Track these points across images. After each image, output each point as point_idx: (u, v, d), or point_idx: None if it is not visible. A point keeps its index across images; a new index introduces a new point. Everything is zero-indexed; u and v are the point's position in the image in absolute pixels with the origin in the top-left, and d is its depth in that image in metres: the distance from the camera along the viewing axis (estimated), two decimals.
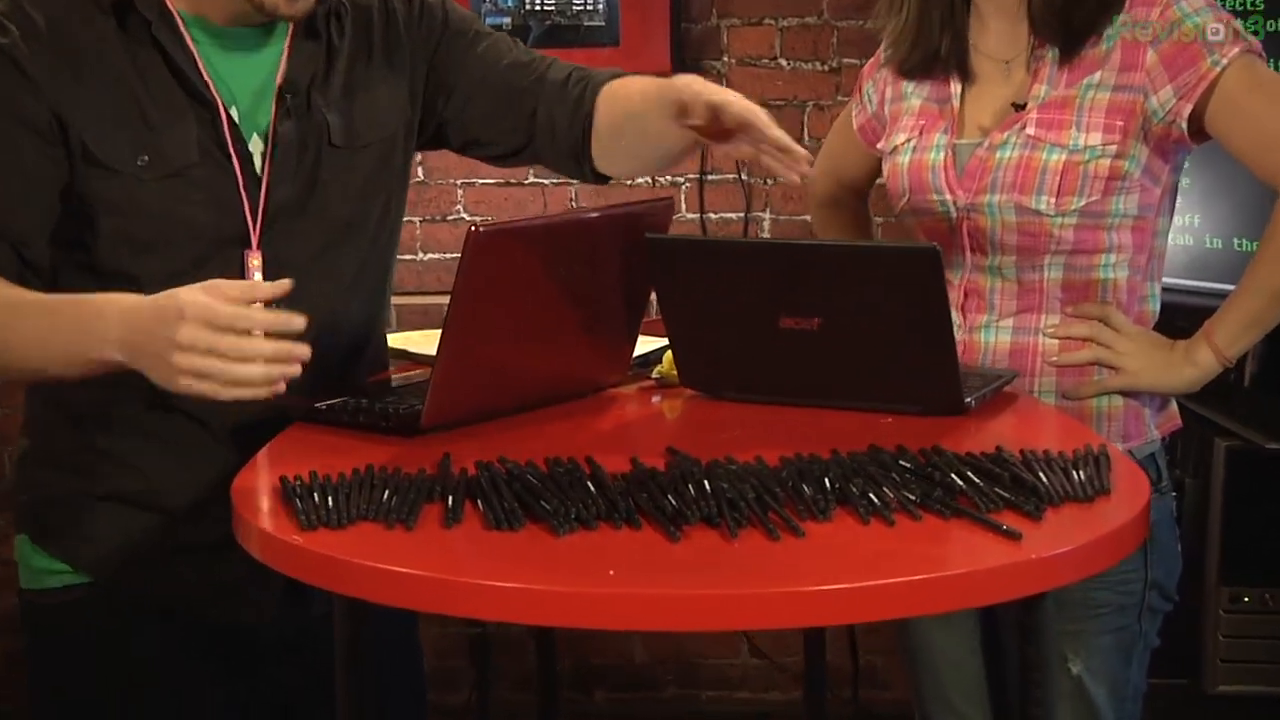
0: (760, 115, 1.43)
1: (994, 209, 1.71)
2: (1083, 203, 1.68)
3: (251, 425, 1.48)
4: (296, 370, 1.29)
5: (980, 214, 1.72)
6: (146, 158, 1.46)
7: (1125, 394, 1.73)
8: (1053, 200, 1.68)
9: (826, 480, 1.20)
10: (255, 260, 1.51)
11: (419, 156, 3.06)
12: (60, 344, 1.39)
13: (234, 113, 1.51)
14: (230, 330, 1.27)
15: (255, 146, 1.52)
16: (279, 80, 1.53)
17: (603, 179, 1.68)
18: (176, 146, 1.48)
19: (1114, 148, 1.68)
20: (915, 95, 1.83)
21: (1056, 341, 1.72)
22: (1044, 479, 1.21)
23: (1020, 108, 1.73)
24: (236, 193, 1.50)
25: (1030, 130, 1.70)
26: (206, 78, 1.50)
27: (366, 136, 1.59)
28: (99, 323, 1.36)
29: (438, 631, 3.20)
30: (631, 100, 1.59)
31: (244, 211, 1.50)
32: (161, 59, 1.48)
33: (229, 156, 1.50)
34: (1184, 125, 1.67)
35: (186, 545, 1.55)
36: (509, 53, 1.68)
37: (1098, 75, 1.69)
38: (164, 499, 1.55)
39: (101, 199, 1.47)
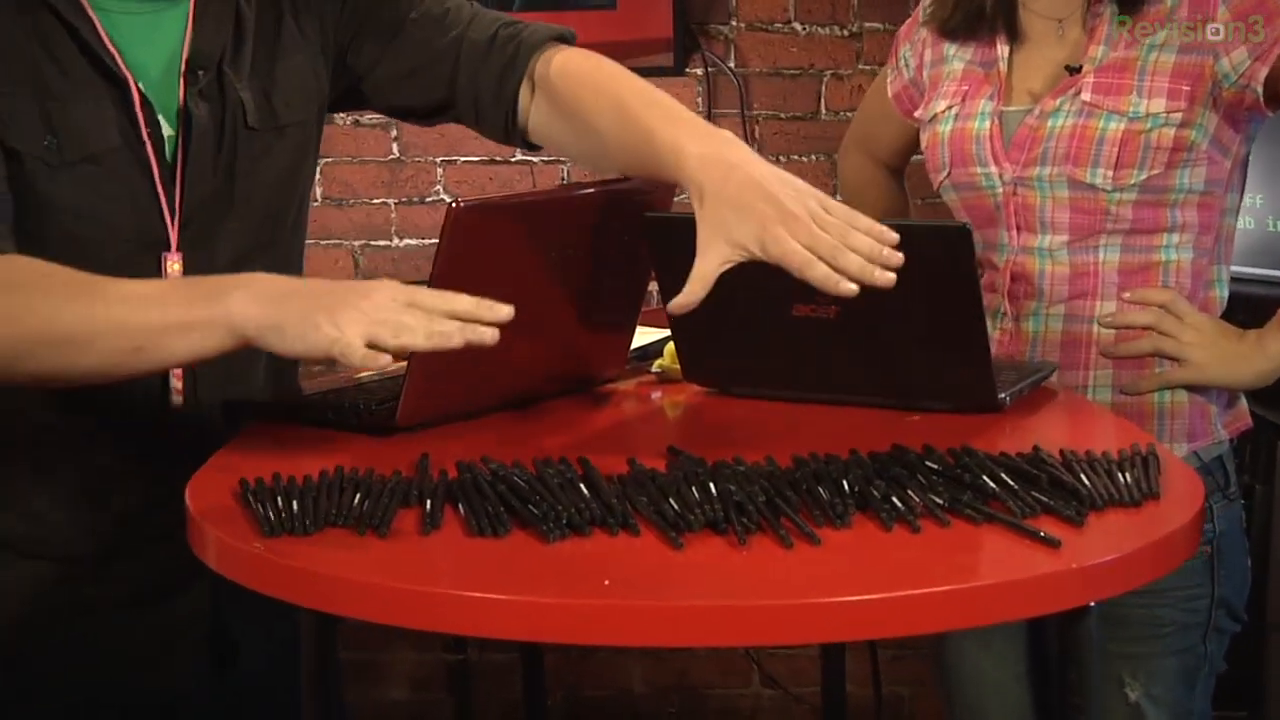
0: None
1: (1044, 183, 1.71)
2: (1143, 176, 1.68)
3: (169, 456, 1.41)
4: (494, 334, 1.29)
5: (1029, 189, 1.72)
6: (55, 139, 1.40)
7: (1190, 389, 1.73)
8: (1110, 174, 1.68)
9: (845, 483, 1.21)
10: (175, 265, 1.46)
11: (394, 132, 3.08)
12: (171, 304, 1.30)
13: (144, 90, 1.44)
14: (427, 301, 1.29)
15: (166, 132, 1.46)
16: (185, 53, 1.47)
17: (536, 148, 1.64)
18: (91, 128, 1.41)
19: (1179, 115, 1.68)
20: (958, 58, 1.83)
21: (1113, 331, 1.72)
22: (1086, 481, 1.21)
23: (1075, 71, 1.72)
24: (153, 186, 1.44)
25: (1086, 96, 1.71)
26: (111, 48, 1.43)
27: (285, 116, 1.54)
28: (226, 282, 1.32)
29: (413, 658, 3.20)
30: (604, 119, 1.49)
31: (161, 207, 1.45)
32: (61, 24, 1.41)
33: (143, 143, 1.44)
34: (1259, 90, 1.67)
35: (89, 603, 1.49)
36: (421, 1, 1.62)
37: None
38: (57, 548, 1.48)
39: None
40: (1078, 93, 1.71)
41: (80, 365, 1.32)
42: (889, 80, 1.95)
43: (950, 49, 1.84)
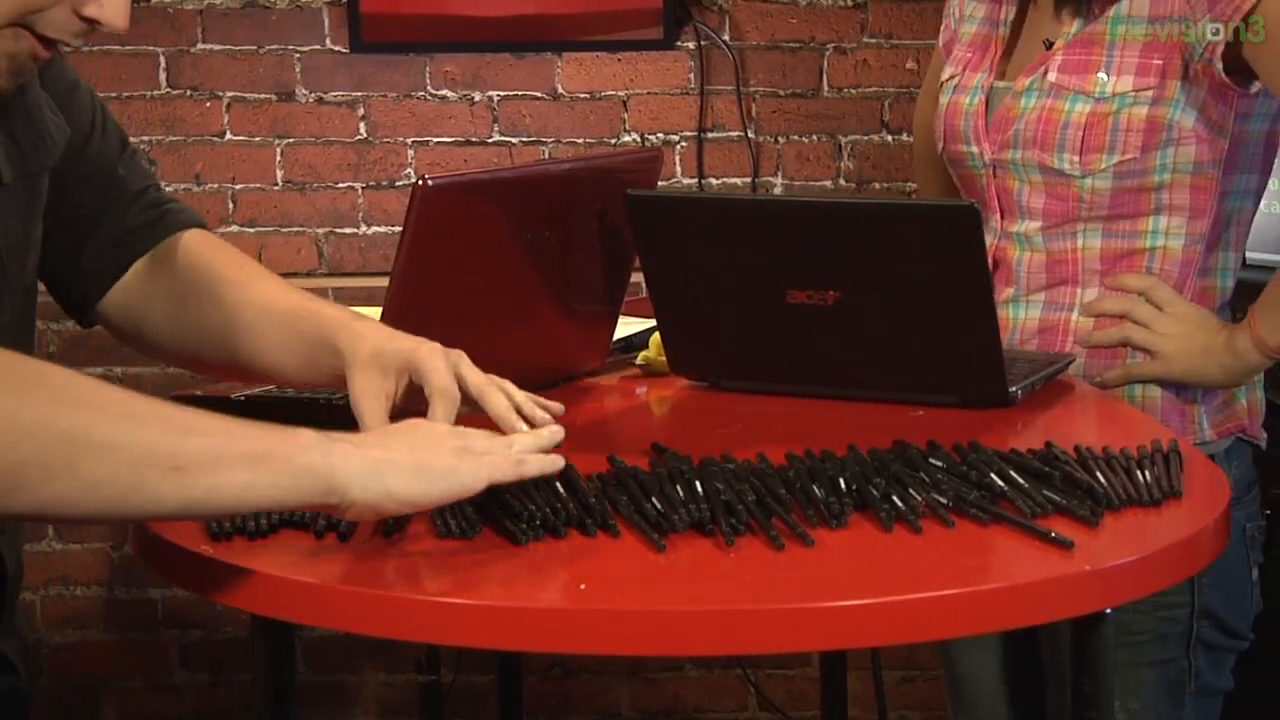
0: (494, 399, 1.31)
1: (1019, 167, 1.72)
2: (1114, 160, 1.67)
3: None
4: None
5: (1006, 171, 1.73)
6: None
7: (1164, 384, 1.73)
8: (1076, 159, 1.67)
9: (841, 481, 1.21)
10: None
11: (360, 110, 3.08)
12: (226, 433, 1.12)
13: None
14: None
15: None
16: None
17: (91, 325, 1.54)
18: None
19: (1149, 94, 1.66)
20: (971, 18, 1.84)
21: (1091, 319, 1.73)
22: (1102, 479, 1.22)
23: (1050, 46, 1.73)
24: None
25: (1052, 76, 1.70)
26: None
27: (34, 164, 1.42)
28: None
29: (382, 680, 3.20)
30: (272, 316, 1.42)
31: None
32: None
33: None
34: (1219, 65, 1.62)
35: None
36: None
37: (1126, 3, 1.68)
38: None
39: None
40: (1045, 72, 1.71)
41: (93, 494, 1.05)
42: (941, 29, 1.95)
43: (972, 6, 1.84)
